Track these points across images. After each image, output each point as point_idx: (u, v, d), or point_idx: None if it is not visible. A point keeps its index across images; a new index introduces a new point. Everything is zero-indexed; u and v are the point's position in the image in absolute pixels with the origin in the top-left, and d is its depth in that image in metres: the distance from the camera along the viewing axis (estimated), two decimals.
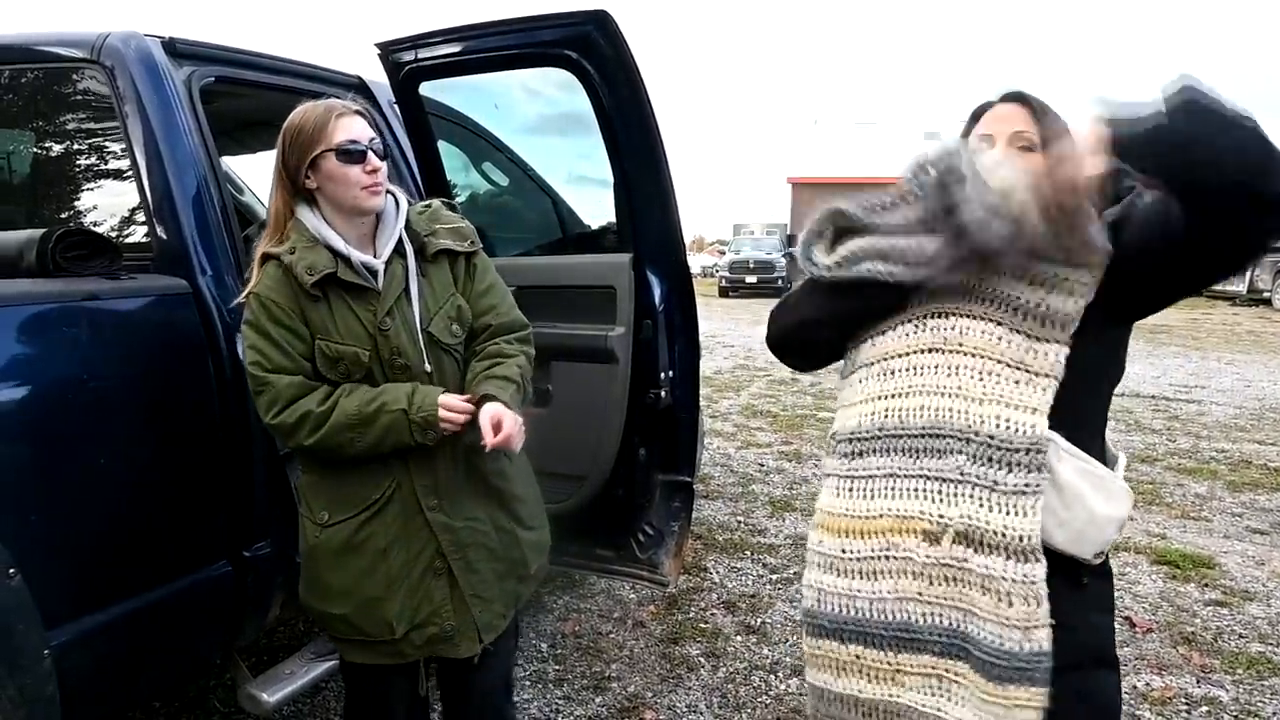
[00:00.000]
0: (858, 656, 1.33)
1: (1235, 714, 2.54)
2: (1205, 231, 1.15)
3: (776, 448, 5.69)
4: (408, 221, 1.66)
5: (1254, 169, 1.09)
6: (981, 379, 1.24)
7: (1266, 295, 17.52)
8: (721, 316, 14.27)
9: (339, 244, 1.59)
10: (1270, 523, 4.24)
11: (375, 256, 1.61)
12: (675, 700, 2.62)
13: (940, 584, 1.25)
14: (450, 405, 1.59)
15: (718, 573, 3.58)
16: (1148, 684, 2.70)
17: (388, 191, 1.65)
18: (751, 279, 21.50)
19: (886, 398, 1.32)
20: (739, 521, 4.22)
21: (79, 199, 2.23)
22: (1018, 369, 1.23)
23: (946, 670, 1.26)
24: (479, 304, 1.73)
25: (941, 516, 1.25)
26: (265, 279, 1.59)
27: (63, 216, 2.23)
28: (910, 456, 1.29)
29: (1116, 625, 3.14)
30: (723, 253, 31.50)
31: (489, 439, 1.54)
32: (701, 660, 2.85)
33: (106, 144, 2.13)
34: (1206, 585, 3.45)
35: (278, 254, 1.58)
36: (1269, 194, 1.10)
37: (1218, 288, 20.01)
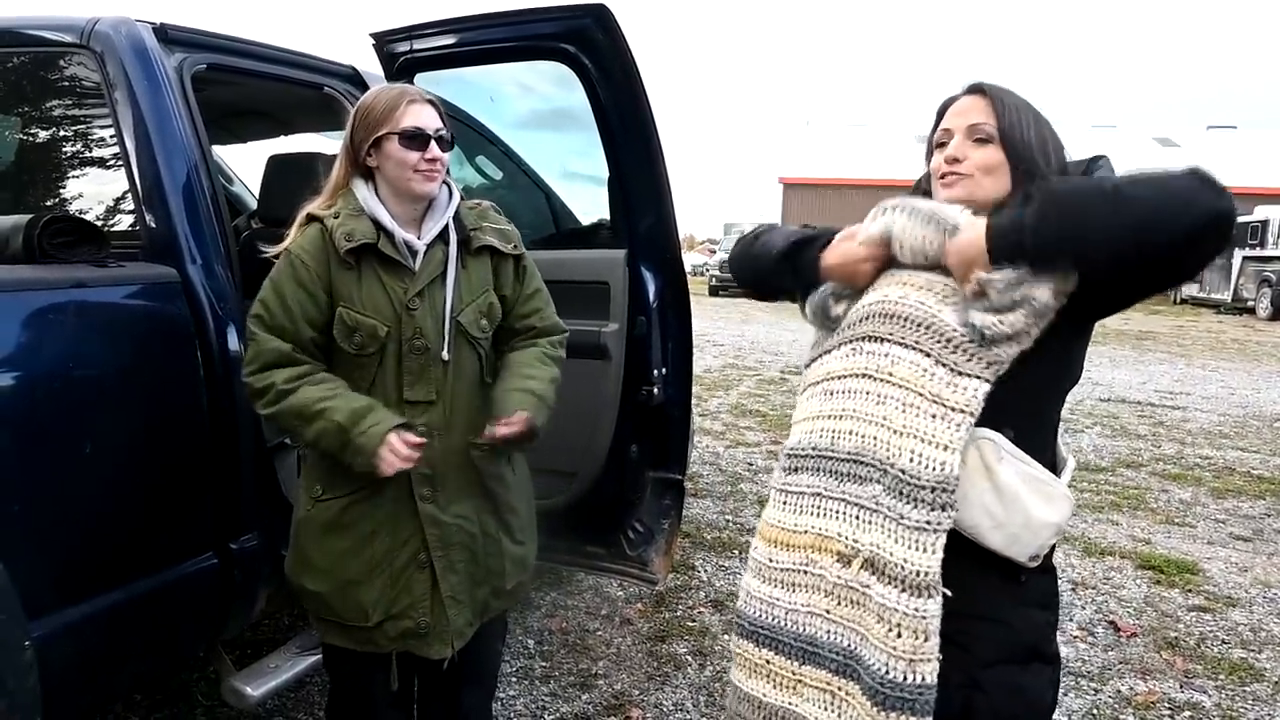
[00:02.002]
0: (767, 661, 1.38)
1: (1218, 719, 2.56)
2: (1131, 281, 1.21)
3: (765, 447, 5.70)
4: (456, 212, 1.69)
5: (1133, 245, 1.13)
6: (904, 410, 1.26)
7: (1250, 304, 17.68)
8: (711, 315, 14.27)
9: (385, 218, 1.61)
10: (1253, 529, 4.27)
11: (419, 238, 1.64)
12: (662, 698, 2.61)
13: (846, 605, 1.29)
14: (397, 448, 1.53)
15: (706, 571, 3.58)
16: (1131, 689, 2.71)
17: (443, 182, 1.68)
18: None
19: (823, 418, 1.37)
20: (727, 520, 4.22)
21: (66, 186, 2.20)
22: (935, 403, 1.24)
23: (839, 688, 1.30)
24: (526, 306, 1.78)
25: (855, 541, 1.28)
26: (303, 239, 1.61)
27: (50, 203, 2.19)
28: (835, 479, 1.32)
29: (1101, 630, 3.17)
30: (713, 251, 31.57)
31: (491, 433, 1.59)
32: (688, 658, 2.85)
33: (95, 130, 2.10)
34: (1190, 591, 3.48)
35: (321, 216, 1.61)
36: (1165, 249, 1.13)
37: (1202, 295, 20.20)
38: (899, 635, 1.21)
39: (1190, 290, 20.93)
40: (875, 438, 1.28)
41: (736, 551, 3.79)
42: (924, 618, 1.20)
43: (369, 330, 1.59)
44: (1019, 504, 1.25)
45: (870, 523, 1.27)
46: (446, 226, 1.67)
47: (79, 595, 1.64)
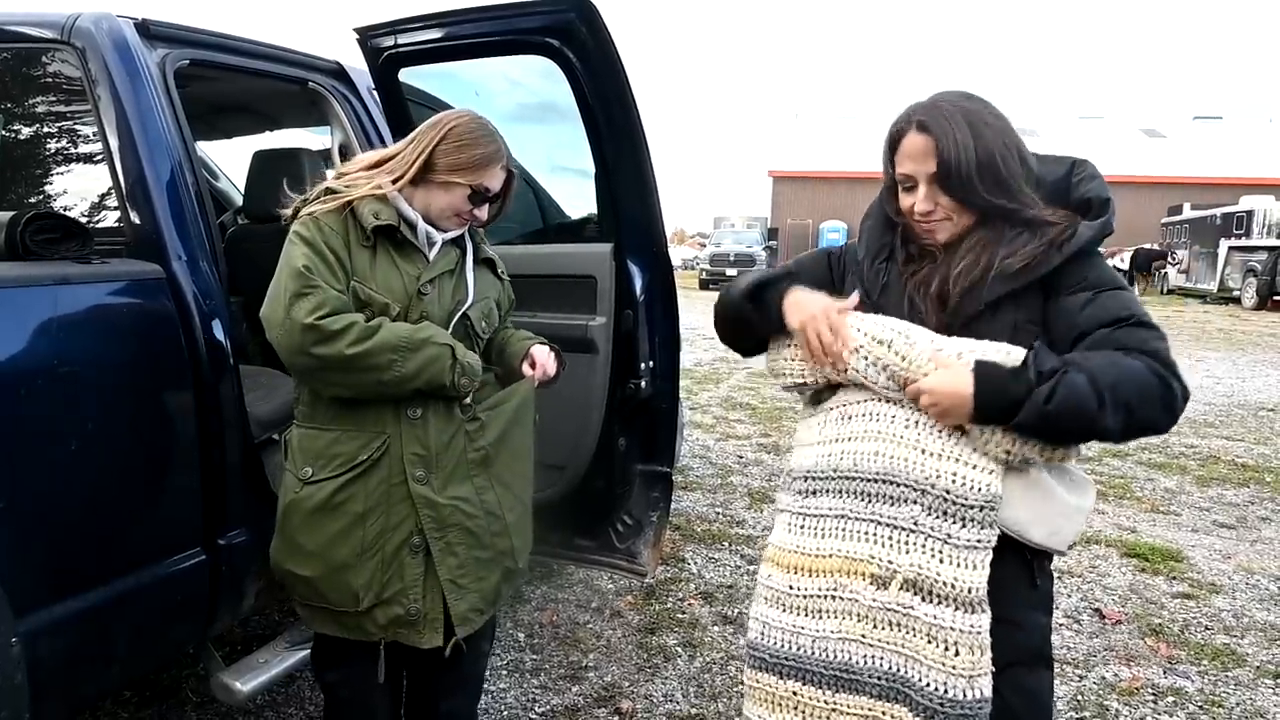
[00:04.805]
0: (795, 693, 1.36)
1: (1200, 704, 2.59)
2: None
3: (755, 440, 5.72)
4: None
5: (1092, 437, 1.25)
6: (940, 435, 1.27)
7: (1236, 293, 17.80)
8: (702, 309, 14.29)
9: (408, 210, 1.67)
10: (1236, 517, 4.32)
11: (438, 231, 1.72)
12: (652, 690, 2.63)
13: (884, 628, 1.28)
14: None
15: (695, 563, 3.59)
16: (1115, 674, 2.74)
17: None
18: (732, 271, 21.60)
19: (843, 440, 1.36)
20: (717, 513, 4.24)
21: (50, 182, 2.19)
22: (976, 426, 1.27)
23: (884, 713, 1.29)
24: (508, 318, 1.99)
25: (891, 562, 1.28)
26: (327, 212, 1.63)
27: (33, 200, 2.18)
28: (863, 500, 1.32)
29: (1086, 618, 3.20)
30: (703, 245, 31.56)
31: (531, 372, 1.82)
32: (678, 650, 2.87)
33: (78, 127, 2.09)
34: (1174, 578, 3.52)
35: (346, 193, 1.64)
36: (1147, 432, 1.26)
37: (1189, 285, 20.32)
38: (956, 653, 1.22)
39: (1177, 280, 21.07)
40: (906, 459, 1.28)
41: (726, 544, 3.81)
42: (979, 633, 1.22)
43: (380, 308, 1.62)
44: (1055, 494, 1.29)
45: (909, 543, 1.26)
46: (464, 235, 1.76)
47: (66, 592, 1.64)
